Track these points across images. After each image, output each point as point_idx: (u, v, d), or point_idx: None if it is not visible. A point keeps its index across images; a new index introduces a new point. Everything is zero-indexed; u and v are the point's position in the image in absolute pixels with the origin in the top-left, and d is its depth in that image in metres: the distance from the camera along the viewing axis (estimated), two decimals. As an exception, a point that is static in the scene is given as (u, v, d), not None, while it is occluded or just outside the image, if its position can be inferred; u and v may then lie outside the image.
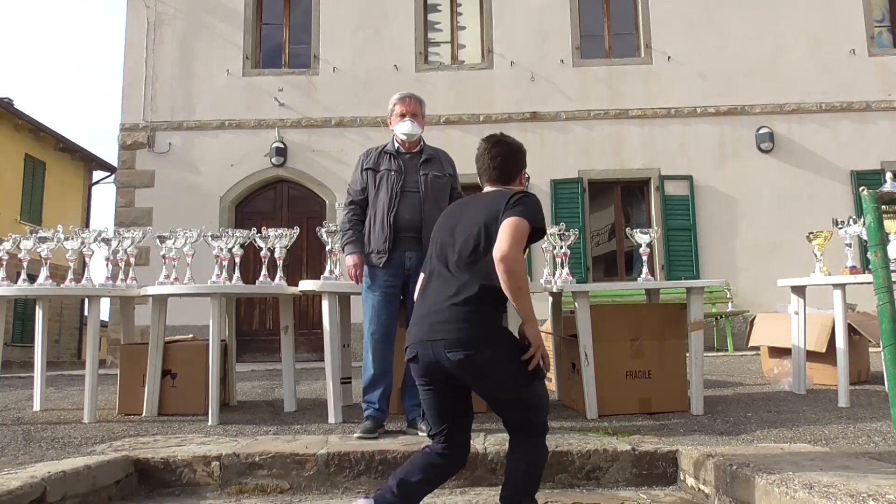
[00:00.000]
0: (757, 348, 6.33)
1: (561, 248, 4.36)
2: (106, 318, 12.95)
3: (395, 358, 3.61)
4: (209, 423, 3.95)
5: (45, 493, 2.46)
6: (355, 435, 3.36)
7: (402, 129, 3.61)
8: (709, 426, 3.57)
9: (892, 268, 2.76)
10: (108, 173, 20.38)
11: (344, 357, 4.32)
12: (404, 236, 3.51)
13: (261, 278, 4.42)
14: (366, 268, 3.64)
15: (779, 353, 5.41)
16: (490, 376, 2.25)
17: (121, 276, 4.80)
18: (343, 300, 4.32)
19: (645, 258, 4.38)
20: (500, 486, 2.36)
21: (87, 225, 19.94)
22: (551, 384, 5.07)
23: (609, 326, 4.04)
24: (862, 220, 3.96)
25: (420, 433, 3.30)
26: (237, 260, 4.44)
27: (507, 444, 2.39)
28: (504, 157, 2.52)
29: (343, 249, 3.74)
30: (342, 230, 3.78)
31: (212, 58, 11.93)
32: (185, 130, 11.76)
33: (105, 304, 9.38)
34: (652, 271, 4.63)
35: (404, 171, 3.59)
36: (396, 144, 3.68)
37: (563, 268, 4.33)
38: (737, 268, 10.85)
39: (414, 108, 3.64)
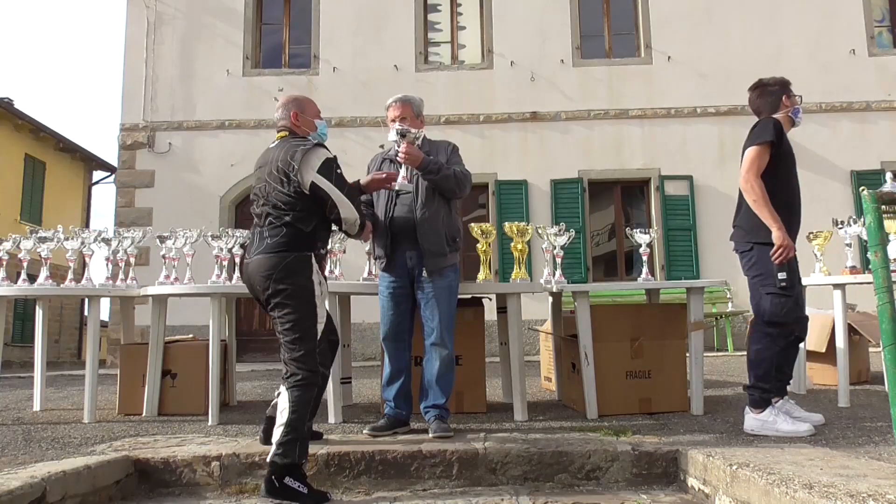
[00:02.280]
0: (757, 348, 6.31)
1: (554, 247, 4.37)
2: (106, 318, 12.96)
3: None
4: (209, 423, 3.95)
5: (45, 493, 2.46)
6: (364, 430, 3.44)
7: (390, 136, 3.64)
8: (709, 426, 3.57)
9: (892, 268, 2.76)
10: (108, 173, 20.38)
11: (344, 357, 4.31)
12: (402, 237, 3.55)
13: (261, 278, 4.40)
14: (380, 272, 3.73)
15: (779, 353, 5.40)
16: None
17: (121, 276, 4.80)
18: (343, 300, 4.32)
19: (645, 258, 4.38)
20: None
21: (87, 225, 19.94)
22: (551, 384, 5.08)
23: (609, 326, 4.04)
24: (862, 220, 3.96)
25: (431, 434, 3.29)
26: (237, 260, 4.43)
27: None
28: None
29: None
30: None
31: (212, 58, 11.93)
32: (185, 130, 11.76)
33: (105, 304, 9.39)
34: (652, 271, 4.63)
35: None
36: (396, 149, 3.69)
37: (556, 268, 4.34)
38: (737, 268, 10.60)
39: (402, 112, 3.63)
